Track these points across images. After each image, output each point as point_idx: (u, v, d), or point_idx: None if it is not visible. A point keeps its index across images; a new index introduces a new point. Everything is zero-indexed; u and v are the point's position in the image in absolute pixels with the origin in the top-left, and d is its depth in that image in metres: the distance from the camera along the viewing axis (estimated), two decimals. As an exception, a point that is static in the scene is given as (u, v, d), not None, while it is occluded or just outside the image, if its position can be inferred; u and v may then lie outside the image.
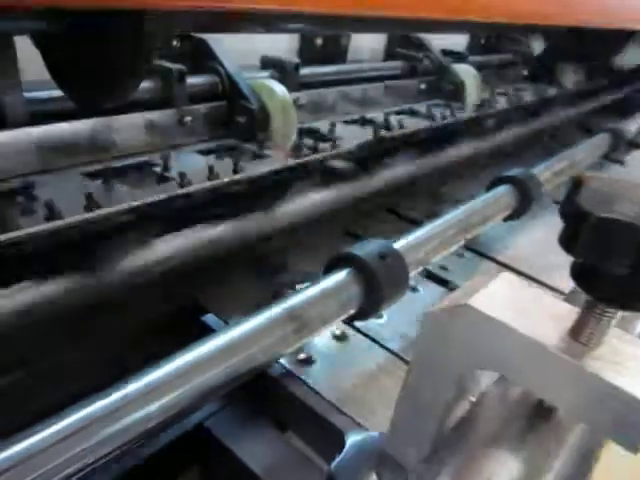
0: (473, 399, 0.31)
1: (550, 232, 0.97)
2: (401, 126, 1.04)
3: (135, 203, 0.58)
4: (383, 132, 0.95)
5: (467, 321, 0.26)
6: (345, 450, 0.41)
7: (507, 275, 0.29)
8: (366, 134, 0.95)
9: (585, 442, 0.29)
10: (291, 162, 0.78)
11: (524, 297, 0.28)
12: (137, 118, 0.86)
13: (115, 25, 0.61)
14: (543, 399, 0.29)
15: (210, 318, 0.57)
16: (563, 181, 1.00)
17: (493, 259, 0.85)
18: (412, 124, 1.06)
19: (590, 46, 1.60)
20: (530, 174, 0.86)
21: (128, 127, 0.85)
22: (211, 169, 0.72)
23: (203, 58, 0.98)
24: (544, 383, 0.25)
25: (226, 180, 0.69)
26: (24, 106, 0.73)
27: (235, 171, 0.76)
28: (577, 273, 0.24)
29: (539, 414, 0.29)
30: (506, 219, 0.84)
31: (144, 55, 0.64)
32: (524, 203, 0.83)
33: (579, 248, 0.22)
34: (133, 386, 0.41)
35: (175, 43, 0.99)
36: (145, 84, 0.87)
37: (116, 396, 0.39)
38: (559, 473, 0.27)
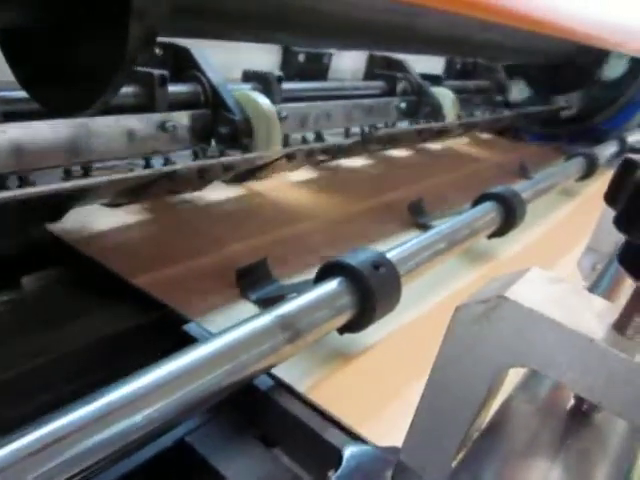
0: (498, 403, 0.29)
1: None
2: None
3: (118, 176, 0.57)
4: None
5: (504, 314, 0.25)
6: (343, 465, 0.38)
7: (537, 270, 0.28)
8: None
9: (626, 447, 0.27)
10: (281, 151, 0.78)
11: (559, 291, 0.26)
12: (117, 121, 0.83)
13: (100, 24, 0.58)
14: (583, 399, 0.28)
15: (192, 327, 0.54)
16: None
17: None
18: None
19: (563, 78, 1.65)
20: (514, 192, 0.86)
21: (107, 131, 0.82)
22: (195, 153, 0.70)
23: (186, 67, 0.96)
24: (590, 380, 0.23)
25: (214, 161, 0.69)
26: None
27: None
28: (628, 258, 0.23)
29: (576, 417, 0.27)
30: (491, 236, 0.84)
31: (128, 60, 0.61)
32: (509, 221, 0.83)
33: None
34: (109, 399, 0.37)
35: (157, 51, 0.97)
36: (125, 89, 0.84)
37: (89, 409, 0.36)
38: (603, 480, 0.25)
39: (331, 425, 0.45)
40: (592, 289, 0.50)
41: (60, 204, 0.65)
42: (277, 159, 0.84)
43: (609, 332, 0.24)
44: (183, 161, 0.70)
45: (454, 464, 0.27)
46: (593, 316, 0.25)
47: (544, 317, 0.24)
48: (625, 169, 0.23)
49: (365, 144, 1.02)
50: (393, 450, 0.40)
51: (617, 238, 0.67)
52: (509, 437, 0.27)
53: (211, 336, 0.44)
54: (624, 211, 0.22)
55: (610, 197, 0.24)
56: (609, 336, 0.24)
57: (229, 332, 0.44)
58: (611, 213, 0.70)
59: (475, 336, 0.26)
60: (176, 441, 0.46)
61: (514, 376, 0.30)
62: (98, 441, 0.34)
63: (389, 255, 0.59)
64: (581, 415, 0.27)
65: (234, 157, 0.73)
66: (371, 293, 0.53)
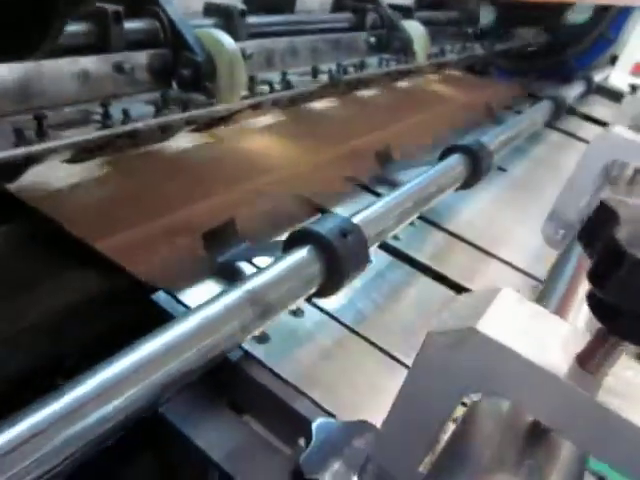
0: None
1: (496, 200, 1.00)
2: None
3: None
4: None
5: (473, 346, 0.25)
6: (313, 442, 0.40)
7: (508, 292, 0.28)
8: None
9: (581, 463, 0.30)
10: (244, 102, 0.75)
11: (528, 317, 0.27)
12: (70, 64, 0.77)
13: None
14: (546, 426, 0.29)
15: (161, 297, 0.54)
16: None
17: (443, 228, 0.85)
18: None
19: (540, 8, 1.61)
20: (481, 144, 0.86)
21: (58, 74, 0.77)
22: (157, 105, 0.67)
23: (142, 1, 0.89)
24: (552, 412, 0.25)
25: (176, 117, 0.66)
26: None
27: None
28: (598, 306, 0.23)
29: (534, 435, 0.29)
30: (458, 189, 0.84)
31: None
32: (476, 173, 0.83)
33: (611, 287, 0.21)
34: (84, 389, 0.37)
35: (111, -16, 0.90)
36: (76, 27, 0.78)
37: (68, 398, 0.36)
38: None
39: (299, 394, 0.47)
40: (548, 288, 0.51)
41: (14, 167, 0.61)
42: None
43: (572, 366, 0.25)
44: (143, 116, 0.66)
45: (422, 469, 0.29)
46: (559, 347, 0.26)
47: (511, 351, 0.25)
48: (600, 214, 0.23)
49: (333, 87, 0.99)
50: (359, 424, 0.42)
51: (582, 204, 0.68)
52: (472, 454, 0.28)
53: (178, 316, 0.44)
54: (597, 266, 0.22)
55: (585, 242, 0.24)
56: (572, 371, 0.25)
57: (197, 311, 0.44)
58: (579, 178, 0.69)
59: (445, 362, 0.26)
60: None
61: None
62: (72, 434, 0.35)
63: (356, 219, 0.59)
64: (539, 433, 0.29)
65: (198, 111, 0.70)
66: (339, 260, 0.53)
